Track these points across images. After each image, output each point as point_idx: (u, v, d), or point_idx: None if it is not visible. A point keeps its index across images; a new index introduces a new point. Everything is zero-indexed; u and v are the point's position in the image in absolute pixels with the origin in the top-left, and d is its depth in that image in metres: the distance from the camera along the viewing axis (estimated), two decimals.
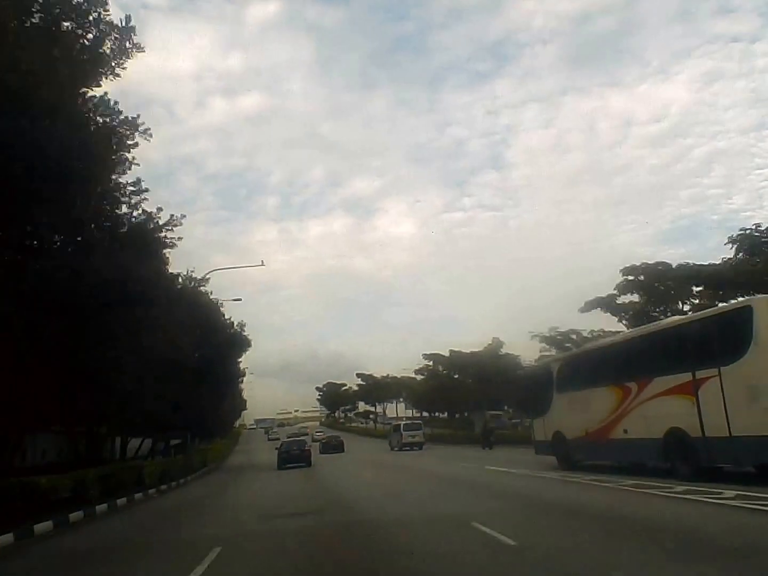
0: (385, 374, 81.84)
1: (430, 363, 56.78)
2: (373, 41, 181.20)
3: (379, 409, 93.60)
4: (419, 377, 64.71)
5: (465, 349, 52.23)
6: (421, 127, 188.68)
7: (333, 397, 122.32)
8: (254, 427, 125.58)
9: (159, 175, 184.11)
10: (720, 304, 21.45)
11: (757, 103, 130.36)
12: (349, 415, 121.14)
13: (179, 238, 19.29)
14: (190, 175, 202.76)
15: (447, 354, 54.22)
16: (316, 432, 70.87)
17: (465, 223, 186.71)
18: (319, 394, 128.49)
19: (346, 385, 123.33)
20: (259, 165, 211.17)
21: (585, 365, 17.52)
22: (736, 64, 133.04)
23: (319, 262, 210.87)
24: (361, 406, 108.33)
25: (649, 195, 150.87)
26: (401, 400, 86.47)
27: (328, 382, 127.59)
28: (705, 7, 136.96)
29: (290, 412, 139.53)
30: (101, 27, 12.18)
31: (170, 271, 23.27)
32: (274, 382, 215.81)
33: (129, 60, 12.82)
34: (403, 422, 46.67)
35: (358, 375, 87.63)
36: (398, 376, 78.55)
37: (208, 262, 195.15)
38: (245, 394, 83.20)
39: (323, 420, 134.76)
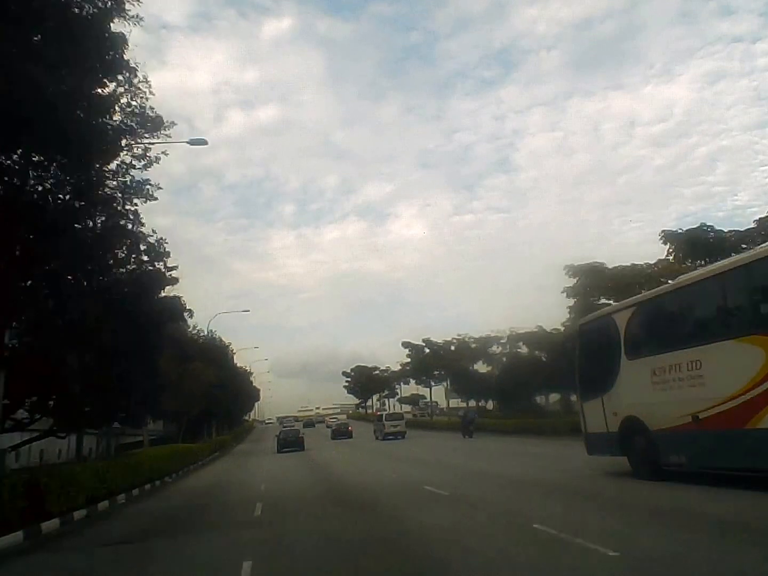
0: (452, 337, 55.12)
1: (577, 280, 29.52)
2: (382, 52, 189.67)
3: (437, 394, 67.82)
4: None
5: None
6: (430, 133, 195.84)
7: (364, 382, 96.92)
8: (272, 421, 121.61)
9: (182, 186, 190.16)
10: None
11: (759, 101, 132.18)
12: (389, 401, 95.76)
13: None
14: (211, 186, 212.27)
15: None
16: (330, 419, 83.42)
17: (475, 225, 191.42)
18: (347, 381, 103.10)
19: (378, 368, 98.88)
20: (275, 174, 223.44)
21: (686, 308, 11.15)
22: (737, 63, 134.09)
23: (335, 265, 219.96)
24: (407, 389, 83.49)
25: (655, 194, 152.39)
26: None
27: (357, 366, 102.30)
28: (706, 9, 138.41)
29: (311, 409, 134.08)
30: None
31: None
32: (295, 382, 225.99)
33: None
34: (386, 413, 50.02)
35: (405, 344, 61.13)
36: (470, 337, 52.65)
37: (229, 269, 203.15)
38: (254, 379, 72.85)
39: (350, 412, 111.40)
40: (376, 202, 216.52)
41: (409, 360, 64.72)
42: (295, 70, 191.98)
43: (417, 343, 62.55)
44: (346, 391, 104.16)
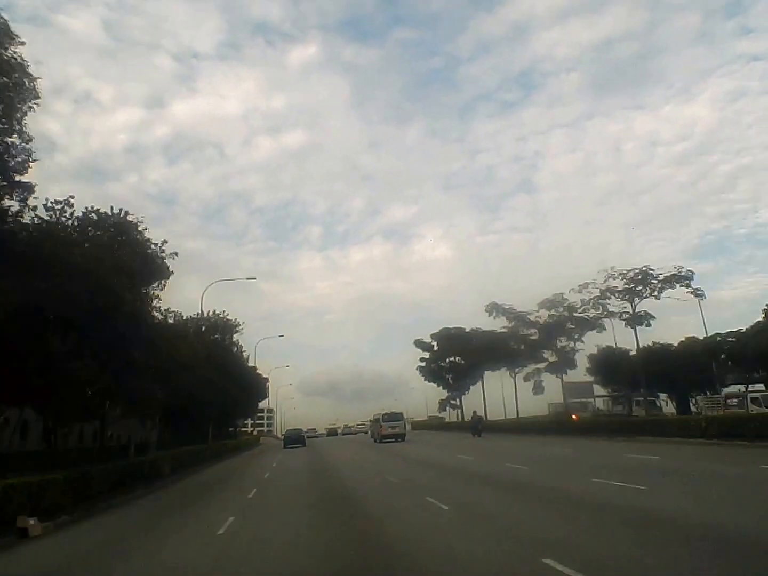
0: None
1: None
2: (405, 77, 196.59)
3: None
4: None
5: None
6: (453, 155, 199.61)
7: (465, 354, 51.17)
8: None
9: (212, 210, 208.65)
10: None
11: None
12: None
13: None
14: (241, 210, 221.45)
15: None
16: (357, 426, 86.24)
17: (498, 245, 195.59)
18: (423, 359, 57.18)
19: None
20: (303, 197, 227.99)
21: None
22: (757, 82, 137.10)
23: (361, 286, 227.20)
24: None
25: (677, 212, 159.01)
26: None
27: (444, 328, 56.33)
28: (725, 28, 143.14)
29: (339, 426, 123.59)
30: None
31: None
32: (322, 401, 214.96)
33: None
34: (383, 413, 42.34)
35: None
36: None
37: (258, 291, 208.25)
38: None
39: (411, 419, 68.56)
40: (401, 223, 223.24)
41: None
42: (322, 95, 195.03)
43: None
44: (422, 377, 58.14)
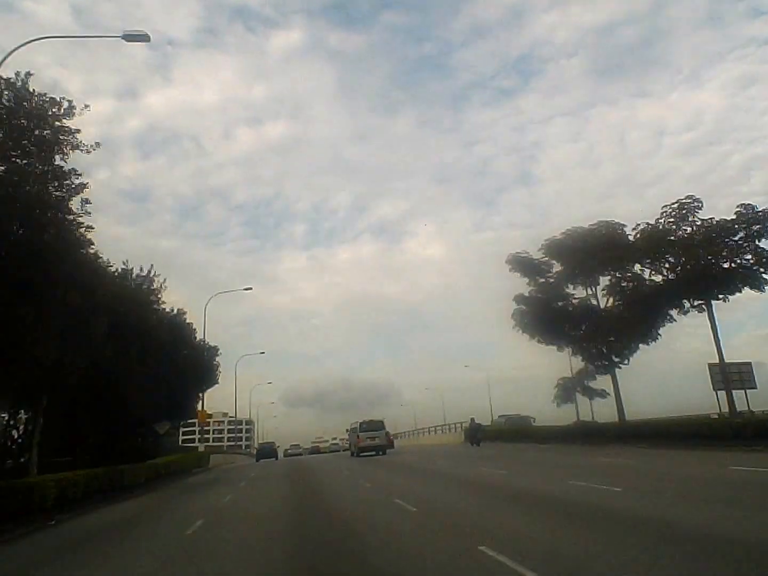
0: None
1: None
2: (395, 63, 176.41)
3: None
4: None
5: None
6: (447, 146, 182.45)
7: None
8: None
9: (188, 207, 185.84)
10: None
11: None
12: None
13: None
14: (219, 207, 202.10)
15: None
16: (344, 441, 73.38)
17: (495, 242, 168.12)
18: (520, 301, 28.32)
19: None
20: (286, 193, 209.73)
21: None
22: None
23: (349, 288, 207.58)
24: None
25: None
26: None
27: (571, 229, 27.16)
28: (735, 10, 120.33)
29: (326, 440, 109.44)
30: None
31: None
32: (308, 412, 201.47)
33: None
34: (360, 422, 35.70)
35: None
36: None
37: (238, 293, 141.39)
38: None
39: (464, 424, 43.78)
40: (391, 220, 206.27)
41: None
42: (305, 84, 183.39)
43: None
44: (519, 330, 28.84)
